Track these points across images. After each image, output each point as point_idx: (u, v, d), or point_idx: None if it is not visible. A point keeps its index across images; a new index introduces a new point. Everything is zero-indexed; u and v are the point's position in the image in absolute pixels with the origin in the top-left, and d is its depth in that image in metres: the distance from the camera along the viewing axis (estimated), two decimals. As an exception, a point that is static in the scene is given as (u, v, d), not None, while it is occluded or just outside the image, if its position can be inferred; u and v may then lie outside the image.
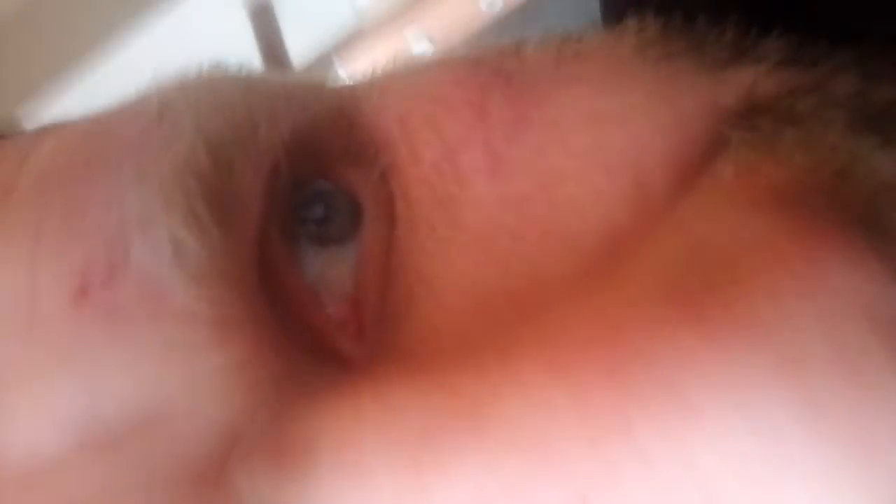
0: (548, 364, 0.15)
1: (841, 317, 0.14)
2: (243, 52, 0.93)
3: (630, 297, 0.16)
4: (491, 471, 0.15)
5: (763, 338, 0.14)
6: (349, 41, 0.99)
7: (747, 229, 0.16)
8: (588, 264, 0.17)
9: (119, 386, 0.16)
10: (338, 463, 0.15)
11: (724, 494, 0.14)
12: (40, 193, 0.18)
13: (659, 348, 0.14)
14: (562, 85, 0.20)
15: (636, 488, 0.14)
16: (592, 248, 0.18)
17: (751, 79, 0.20)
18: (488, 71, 0.20)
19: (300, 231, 0.19)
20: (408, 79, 0.21)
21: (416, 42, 0.96)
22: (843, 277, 0.15)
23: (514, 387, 0.15)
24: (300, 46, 1.01)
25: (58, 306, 0.16)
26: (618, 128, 0.19)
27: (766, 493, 0.14)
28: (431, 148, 0.19)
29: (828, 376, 0.14)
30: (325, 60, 1.02)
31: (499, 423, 0.15)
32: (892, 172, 0.17)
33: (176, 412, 0.16)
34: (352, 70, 1.01)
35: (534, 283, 0.18)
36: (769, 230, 0.16)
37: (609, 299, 0.16)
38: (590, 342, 0.15)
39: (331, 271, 0.19)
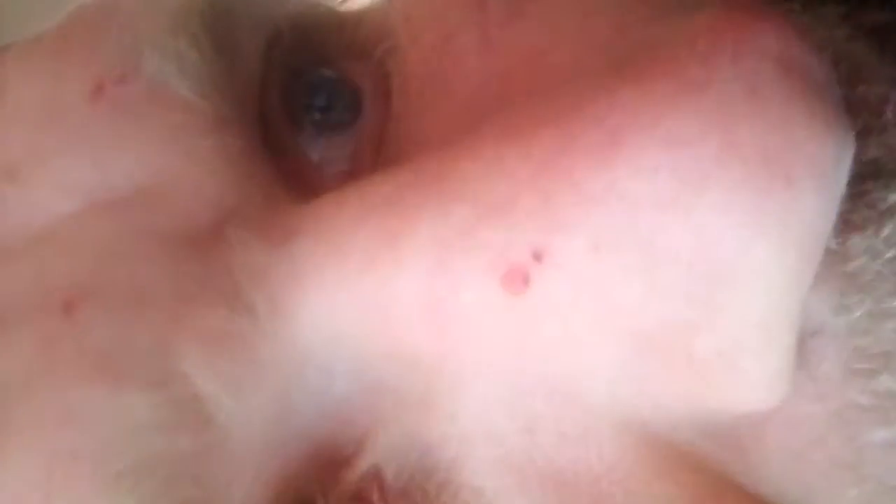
0: (500, 130, 0.16)
1: (752, 60, 0.15)
2: None
3: (579, 81, 0.17)
4: (446, 219, 0.16)
5: (681, 76, 0.15)
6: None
7: (679, 17, 0.17)
8: None
9: (126, 162, 0.18)
10: (316, 231, 0.17)
11: (649, 218, 0.15)
12: (66, 26, 0.20)
13: (592, 97, 0.16)
14: None
15: (572, 224, 0.15)
16: None
17: None
18: None
19: (304, 119, 0.21)
20: None
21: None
22: (759, 35, 0.16)
23: (470, 152, 0.16)
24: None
25: (76, 102, 0.19)
26: (605, 17, 0.20)
27: (684, 211, 0.15)
28: (430, 32, 0.21)
29: (735, 100, 0.15)
30: None
31: (454, 180, 0.16)
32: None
33: (176, 186, 0.18)
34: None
35: None
36: (696, 12, 0.17)
37: (561, 87, 0.17)
38: (535, 109, 0.16)
39: (330, 154, 0.21)
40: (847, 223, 0.17)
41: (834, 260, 0.17)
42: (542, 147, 0.16)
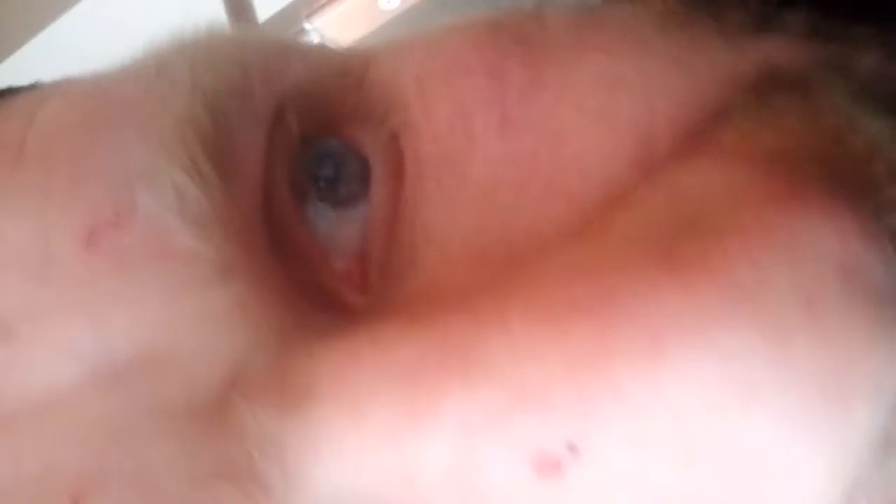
0: (532, 307, 0.16)
1: (809, 264, 0.15)
2: (208, 4, 0.91)
3: (611, 245, 0.17)
4: (475, 403, 0.15)
5: (731, 279, 0.15)
6: (317, -5, 0.97)
7: (729, 185, 0.17)
8: (587, 219, 0.18)
9: (128, 323, 0.17)
10: (335, 398, 0.16)
11: (695, 427, 0.15)
12: (49, 150, 0.18)
13: (635, 291, 0.15)
14: (580, 51, 0.20)
15: (612, 422, 0.15)
16: (593, 204, 0.18)
17: (770, 50, 0.20)
18: (508, 36, 0.20)
19: (311, 190, 0.20)
20: (427, 42, 0.21)
21: (386, -3, 0.95)
22: (816, 232, 0.15)
23: (499, 327, 0.16)
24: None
25: (69, 250, 0.17)
26: (630, 92, 0.19)
27: (733, 423, 0.15)
28: (445, 106, 0.20)
29: (791, 315, 0.15)
30: (291, 13, 1.00)
31: (483, 361, 0.16)
32: (890, 141, 0.18)
33: (181, 348, 0.17)
34: (318, 24, 0.99)
35: (533, 237, 0.18)
36: (750, 187, 0.16)
37: (592, 248, 0.17)
38: (570, 285, 0.16)
39: (339, 230, 0.20)
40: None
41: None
42: (578, 339, 0.15)
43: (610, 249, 0.16)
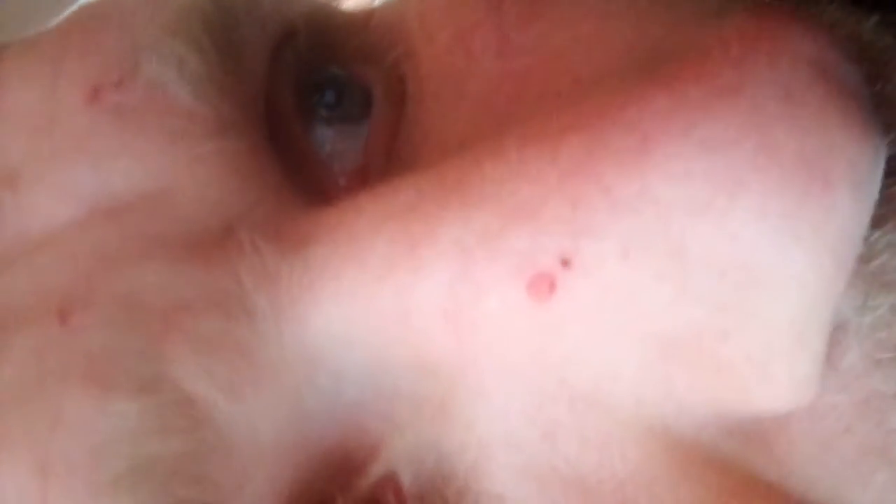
0: (523, 134, 0.16)
1: (787, 62, 0.15)
2: None
3: (598, 84, 0.17)
4: (470, 224, 0.16)
5: (713, 79, 0.15)
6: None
7: (710, 18, 0.17)
8: None
9: (127, 167, 0.18)
10: (333, 238, 0.17)
11: (682, 224, 0.15)
12: (62, 30, 0.20)
13: (621, 101, 0.15)
14: None
15: (602, 228, 0.15)
16: None
17: None
18: None
19: (313, 113, 0.21)
20: None
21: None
22: (795, 38, 0.16)
23: (494, 156, 0.16)
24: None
25: (74, 106, 0.18)
26: (621, 20, 0.20)
27: (719, 215, 0.15)
28: (446, 32, 0.20)
29: (771, 104, 0.15)
30: None
31: (479, 187, 0.16)
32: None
33: (178, 191, 0.18)
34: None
35: None
36: (727, 15, 0.17)
37: (579, 91, 0.17)
38: (560, 113, 0.16)
39: (341, 150, 0.20)
40: (870, 220, 0.16)
41: (857, 257, 0.16)
42: (570, 151, 0.15)
43: (595, 87, 0.17)
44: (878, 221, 0.16)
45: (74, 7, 0.24)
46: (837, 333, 0.16)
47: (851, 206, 0.15)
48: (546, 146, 0.16)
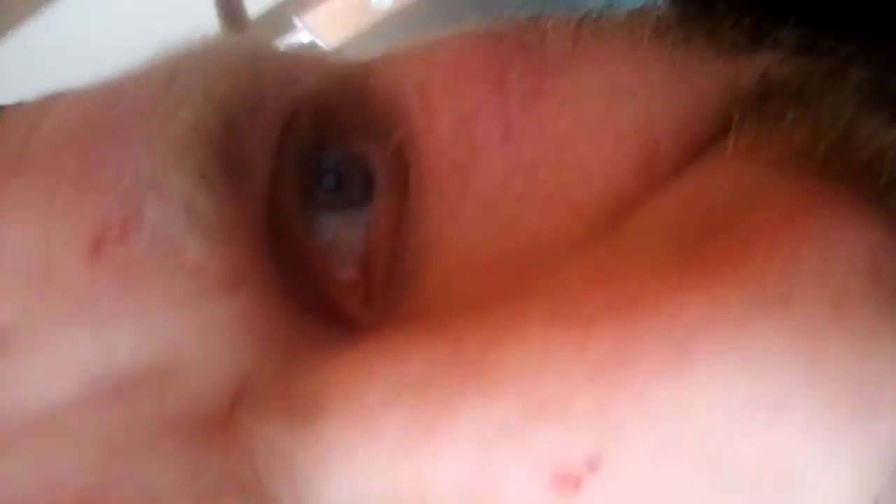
0: (548, 312, 0.15)
1: (837, 263, 0.15)
2: (198, 2, 0.91)
3: (628, 249, 0.16)
4: (490, 415, 0.15)
5: (758, 281, 0.14)
6: (308, -7, 0.97)
7: (745, 189, 0.16)
8: (592, 228, 0.18)
9: (131, 336, 0.16)
10: (345, 410, 0.16)
11: (720, 439, 0.14)
12: (53, 156, 0.18)
13: (656, 295, 0.15)
14: (579, 60, 0.20)
15: (634, 435, 0.14)
16: (597, 212, 0.18)
17: (766, 64, 0.20)
18: (508, 43, 0.20)
19: (314, 198, 0.20)
20: (426, 50, 0.21)
21: (377, -3, 0.95)
22: (839, 228, 0.15)
23: (515, 334, 0.15)
24: (257, -4, 0.99)
25: (73, 260, 0.17)
26: (631, 100, 0.19)
27: (759, 435, 0.14)
28: (448, 115, 0.19)
29: (822, 319, 0.14)
30: (281, 10, 1.00)
31: (499, 369, 0.15)
32: (893, 139, 0.18)
33: (186, 362, 0.16)
34: (308, 21, 0.99)
35: (538, 246, 0.18)
36: (768, 190, 0.16)
37: (608, 252, 0.17)
38: (589, 292, 0.15)
39: (343, 235, 0.20)
40: None
41: None
42: (600, 347, 0.15)
43: (626, 254, 0.16)
44: None
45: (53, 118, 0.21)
46: None
47: (893, 427, 0.15)
48: (574, 334, 0.15)
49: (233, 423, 0.16)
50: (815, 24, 0.21)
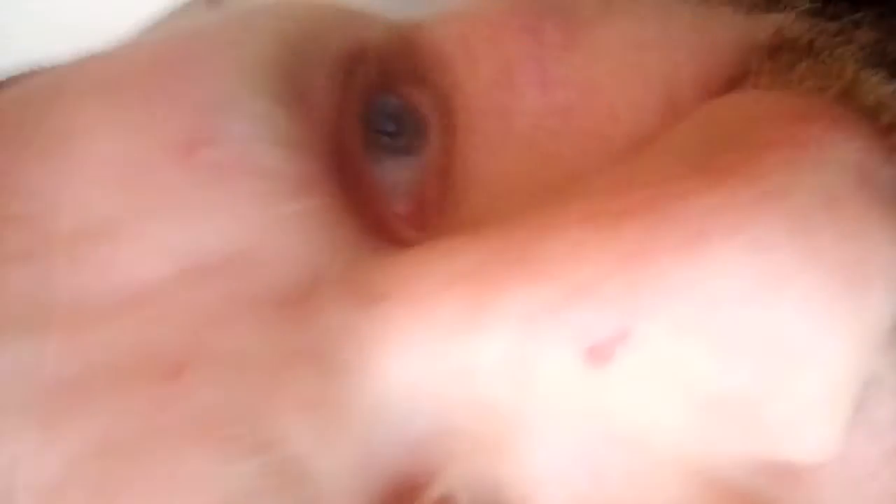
0: (583, 213, 0.18)
1: (830, 164, 0.17)
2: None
3: (650, 163, 0.19)
4: (535, 295, 0.17)
5: (762, 177, 0.17)
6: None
7: (755, 112, 0.19)
8: (619, 159, 0.20)
9: (219, 226, 0.18)
10: (406, 296, 0.18)
11: (730, 312, 0.16)
12: (147, 75, 0.20)
13: (675, 193, 0.17)
14: (610, 17, 0.22)
15: (657, 310, 0.17)
16: (624, 147, 0.20)
17: (780, 21, 0.22)
18: (543, 3, 0.23)
19: (373, 141, 0.22)
20: (470, 9, 0.23)
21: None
22: (840, 143, 0.17)
23: (555, 231, 0.18)
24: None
25: (168, 161, 0.19)
26: (656, 52, 0.21)
27: (764, 308, 0.16)
28: (489, 64, 0.22)
29: (816, 207, 0.16)
30: None
31: (543, 258, 0.17)
32: (893, 90, 0.20)
33: (267, 251, 0.18)
34: None
35: (572, 175, 0.20)
36: (775, 111, 0.18)
37: (632, 167, 0.19)
38: (617, 196, 0.18)
39: (398, 177, 0.22)
40: None
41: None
42: (629, 236, 0.17)
43: (648, 167, 0.18)
44: None
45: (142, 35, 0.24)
46: (872, 388, 0.18)
47: (884, 301, 0.17)
48: (607, 228, 0.17)
49: (308, 304, 0.18)
50: None
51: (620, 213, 0.17)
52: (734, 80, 0.21)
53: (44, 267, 0.18)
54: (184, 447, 0.16)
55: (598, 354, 0.17)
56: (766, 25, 0.22)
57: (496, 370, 0.18)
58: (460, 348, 0.18)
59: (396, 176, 0.22)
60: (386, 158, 0.22)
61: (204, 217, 0.18)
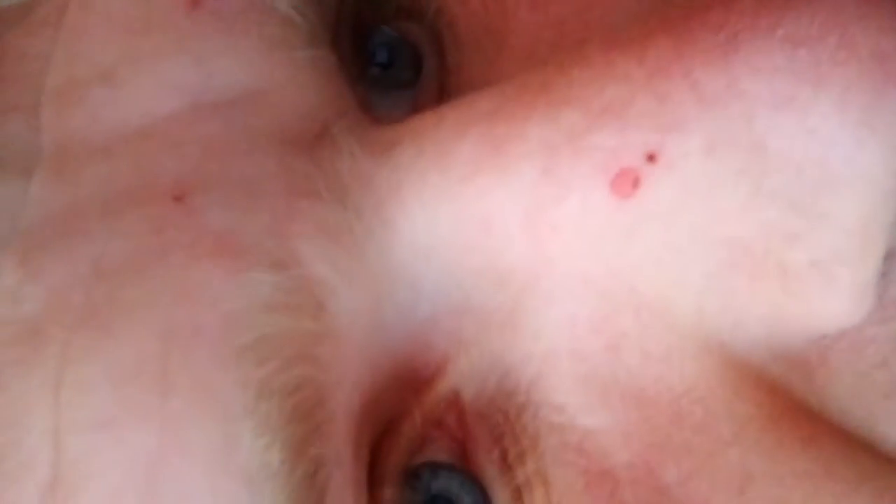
0: (606, 43, 0.17)
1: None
2: None
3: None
4: (555, 123, 0.16)
5: None
6: None
7: None
8: None
9: (228, 65, 0.18)
10: (419, 142, 0.17)
11: (765, 120, 0.16)
12: None
13: (712, 3, 0.16)
14: None
15: (689, 122, 0.16)
16: None
17: None
18: None
19: (367, 74, 0.21)
20: None
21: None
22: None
23: (577, 62, 0.17)
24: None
25: (173, 11, 0.18)
26: None
27: (801, 111, 0.15)
28: None
29: (849, 2, 0.16)
30: None
31: (564, 85, 0.16)
32: None
33: (277, 92, 0.18)
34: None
35: None
36: None
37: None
38: (642, 25, 0.17)
39: (393, 113, 0.21)
40: None
41: None
42: (657, 51, 0.16)
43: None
44: None
45: None
46: (887, 263, 0.17)
47: None
48: (633, 48, 0.16)
49: (322, 145, 0.18)
50: None
51: (647, 34, 0.16)
52: None
53: (30, 115, 0.18)
54: (194, 260, 0.16)
55: (625, 181, 0.16)
56: None
57: (514, 217, 0.17)
58: (476, 191, 0.17)
59: (390, 108, 0.21)
60: (379, 91, 0.21)
61: (213, 56, 0.18)
